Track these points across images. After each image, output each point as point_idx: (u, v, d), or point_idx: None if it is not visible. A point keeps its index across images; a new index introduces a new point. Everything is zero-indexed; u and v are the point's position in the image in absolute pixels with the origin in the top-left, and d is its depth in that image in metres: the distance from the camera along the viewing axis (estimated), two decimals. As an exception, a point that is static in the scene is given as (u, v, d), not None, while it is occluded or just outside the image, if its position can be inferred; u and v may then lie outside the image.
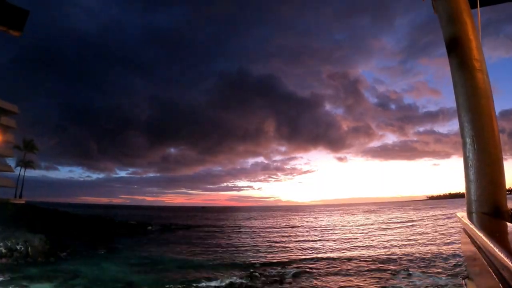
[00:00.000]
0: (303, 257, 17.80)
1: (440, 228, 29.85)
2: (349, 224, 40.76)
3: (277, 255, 18.60)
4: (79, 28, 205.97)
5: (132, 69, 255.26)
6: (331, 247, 21.08)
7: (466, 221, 1.19)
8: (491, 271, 0.71)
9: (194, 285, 12.07)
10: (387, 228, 32.63)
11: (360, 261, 15.96)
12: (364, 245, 21.42)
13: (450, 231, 26.40)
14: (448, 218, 40.40)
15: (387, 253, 17.70)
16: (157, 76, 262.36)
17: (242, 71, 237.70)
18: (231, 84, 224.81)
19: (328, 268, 14.81)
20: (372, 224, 38.69)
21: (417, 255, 16.65)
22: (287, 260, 17.01)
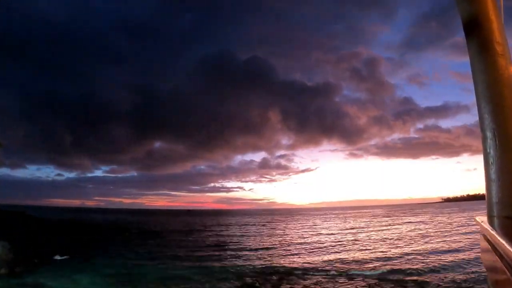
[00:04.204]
0: (306, 265, 17.88)
1: None
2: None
3: (276, 264, 18.57)
4: (46, 12, 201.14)
5: (108, 57, 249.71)
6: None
7: (487, 226, 1.15)
8: None
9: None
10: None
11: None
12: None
13: None
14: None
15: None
16: (138, 65, 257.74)
17: (235, 58, 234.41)
18: (223, 71, 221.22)
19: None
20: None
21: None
22: (288, 268, 17.05)
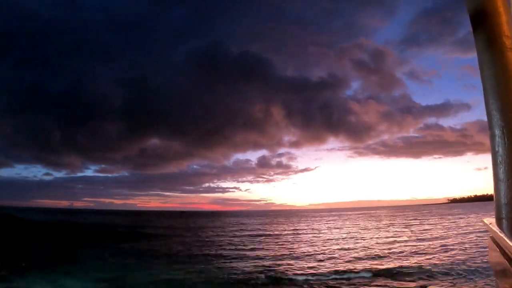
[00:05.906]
0: (312, 271, 17.80)
1: None
2: None
3: (279, 270, 18.43)
4: (32, 5, 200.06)
5: (98, 52, 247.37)
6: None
7: (495, 228, 1.13)
8: None
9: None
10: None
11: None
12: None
13: None
14: None
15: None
16: (129, 60, 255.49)
17: (228, 51, 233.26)
18: (216, 65, 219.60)
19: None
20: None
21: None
22: (290, 275, 16.95)
